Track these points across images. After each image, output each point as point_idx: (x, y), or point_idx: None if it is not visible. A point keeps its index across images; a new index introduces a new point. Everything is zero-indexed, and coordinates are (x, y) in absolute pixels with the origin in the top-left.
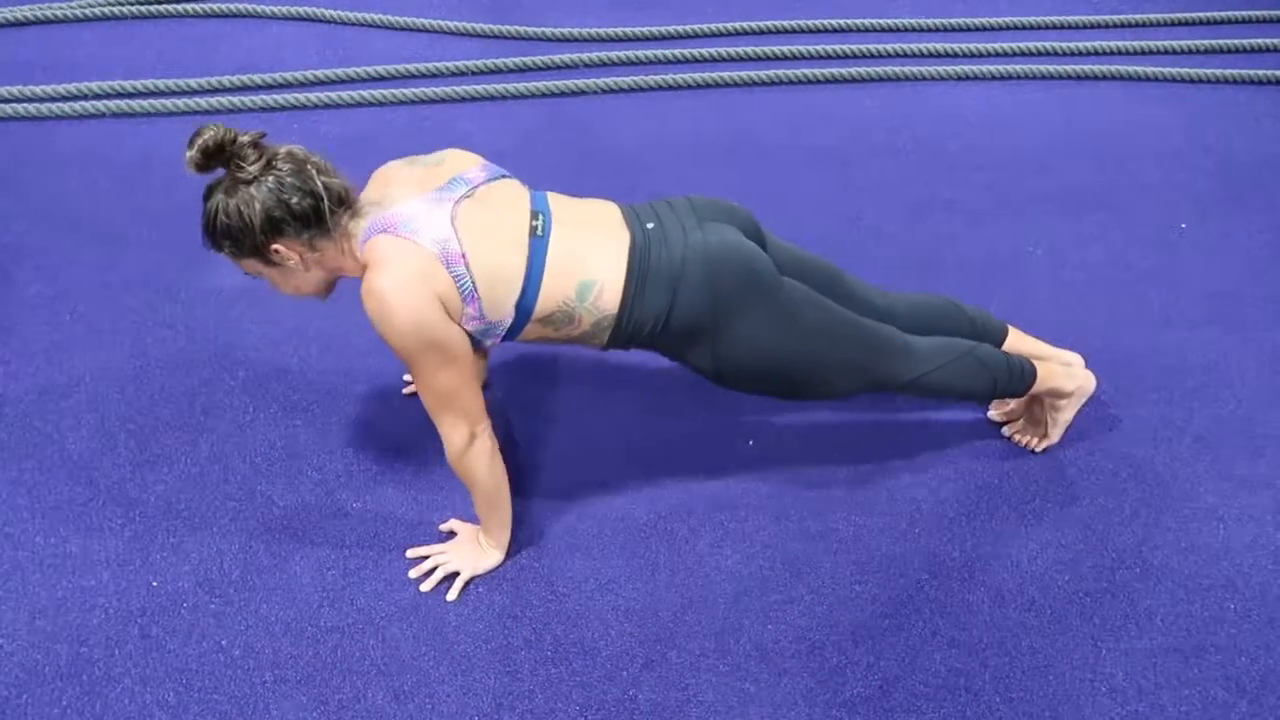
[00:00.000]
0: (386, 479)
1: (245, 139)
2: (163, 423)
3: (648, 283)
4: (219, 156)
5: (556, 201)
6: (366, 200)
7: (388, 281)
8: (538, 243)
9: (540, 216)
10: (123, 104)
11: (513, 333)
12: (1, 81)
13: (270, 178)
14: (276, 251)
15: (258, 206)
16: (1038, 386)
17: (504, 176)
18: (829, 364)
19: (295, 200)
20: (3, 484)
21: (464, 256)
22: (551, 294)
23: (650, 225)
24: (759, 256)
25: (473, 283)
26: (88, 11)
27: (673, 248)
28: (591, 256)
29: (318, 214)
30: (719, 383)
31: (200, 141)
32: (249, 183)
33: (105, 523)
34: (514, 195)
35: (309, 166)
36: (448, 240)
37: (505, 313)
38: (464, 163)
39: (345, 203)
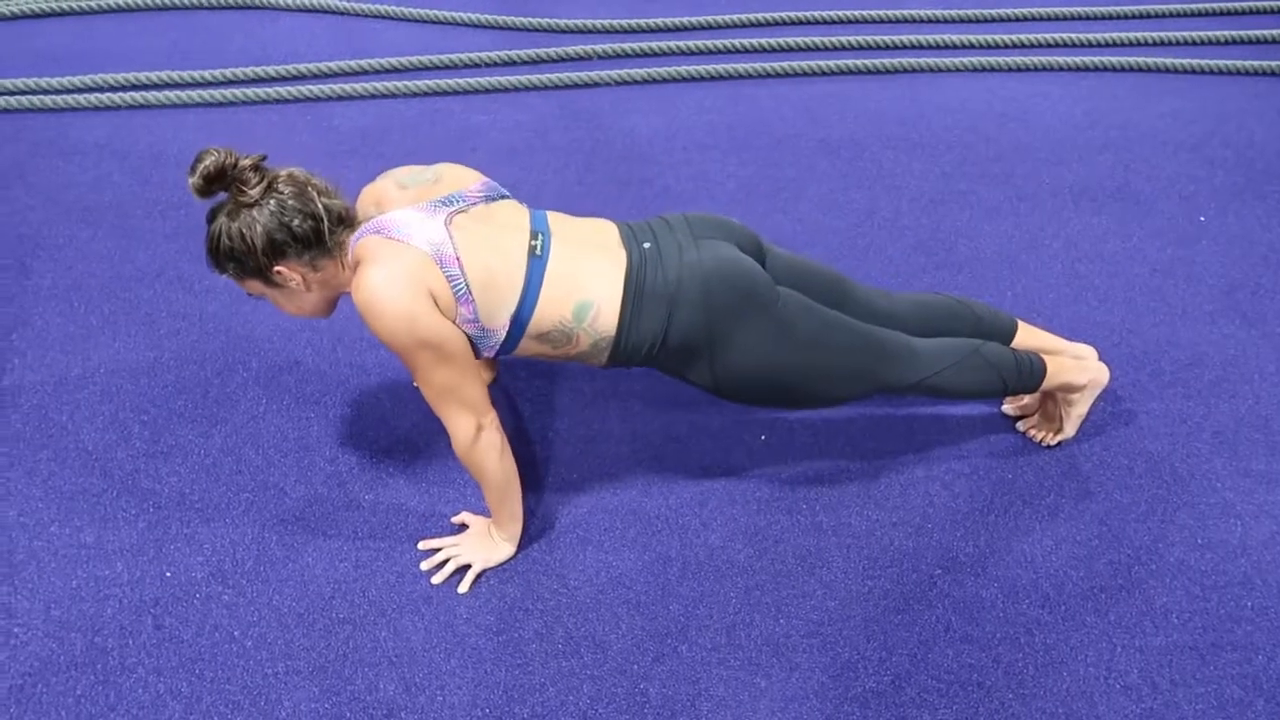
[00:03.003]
0: (398, 471)
1: (246, 162)
2: (176, 414)
3: (644, 304)
4: (221, 180)
5: (556, 221)
6: (364, 217)
7: (377, 276)
8: (536, 262)
9: (540, 236)
10: (137, 96)
11: (508, 347)
12: (18, 73)
13: (272, 201)
14: (279, 273)
15: (259, 229)
16: (1049, 382)
17: (504, 197)
18: (830, 373)
19: (297, 223)
20: (19, 474)
21: (458, 260)
22: (548, 313)
23: (647, 245)
24: (754, 272)
25: (467, 285)
26: (103, 3)
27: (668, 268)
28: (589, 278)
29: (318, 235)
30: (721, 397)
31: (201, 167)
32: (251, 206)
33: (119, 513)
34: (513, 215)
35: (310, 189)
36: (442, 243)
37: (501, 323)
38: (462, 179)
39: (345, 222)
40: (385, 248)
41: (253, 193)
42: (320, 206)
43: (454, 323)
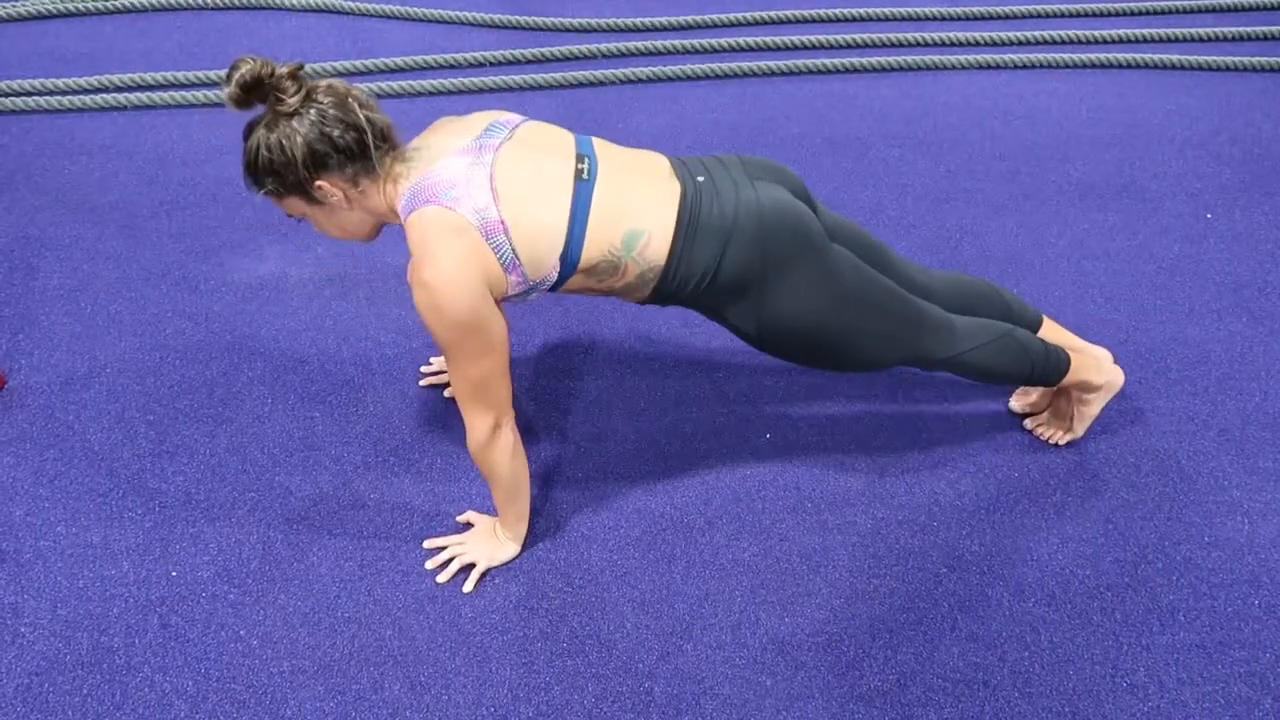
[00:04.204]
0: (403, 470)
1: (283, 70)
2: (182, 414)
3: (698, 235)
4: (258, 90)
5: (602, 147)
6: (412, 145)
7: (438, 274)
8: (582, 187)
9: (586, 160)
10: (144, 96)
11: (557, 286)
12: (25, 74)
13: (312, 110)
14: (320, 188)
15: (300, 139)
16: (1069, 377)
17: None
18: (870, 332)
19: (338, 133)
20: (25, 474)
21: (503, 224)
22: (596, 242)
23: (701, 178)
24: (809, 218)
25: (513, 250)
26: (109, 4)
27: (724, 202)
28: (639, 205)
29: (361, 147)
30: (759, 344)
31: (238, 75)
32: (290, 116)
33: (125, 513)
34: (558, 137)
35: (351, 99)
36: (486, 209)
37: (549, 268)
38: (503, 114)
39: (388, 139)
40: (437, 231)
41: (291, 101)
42: (363, 117)
43: (506, 291)
